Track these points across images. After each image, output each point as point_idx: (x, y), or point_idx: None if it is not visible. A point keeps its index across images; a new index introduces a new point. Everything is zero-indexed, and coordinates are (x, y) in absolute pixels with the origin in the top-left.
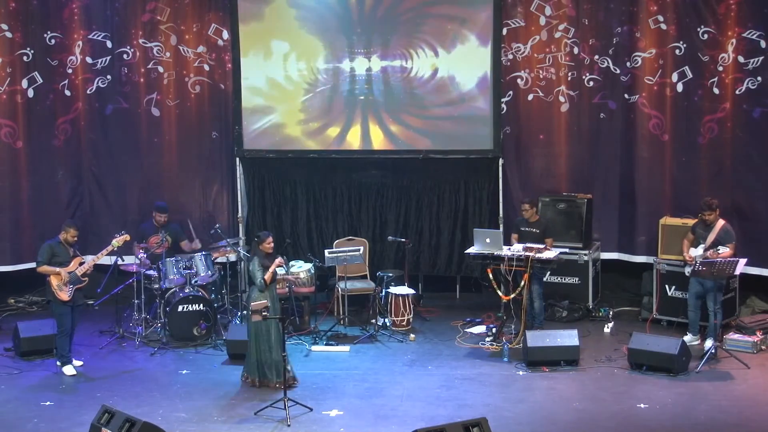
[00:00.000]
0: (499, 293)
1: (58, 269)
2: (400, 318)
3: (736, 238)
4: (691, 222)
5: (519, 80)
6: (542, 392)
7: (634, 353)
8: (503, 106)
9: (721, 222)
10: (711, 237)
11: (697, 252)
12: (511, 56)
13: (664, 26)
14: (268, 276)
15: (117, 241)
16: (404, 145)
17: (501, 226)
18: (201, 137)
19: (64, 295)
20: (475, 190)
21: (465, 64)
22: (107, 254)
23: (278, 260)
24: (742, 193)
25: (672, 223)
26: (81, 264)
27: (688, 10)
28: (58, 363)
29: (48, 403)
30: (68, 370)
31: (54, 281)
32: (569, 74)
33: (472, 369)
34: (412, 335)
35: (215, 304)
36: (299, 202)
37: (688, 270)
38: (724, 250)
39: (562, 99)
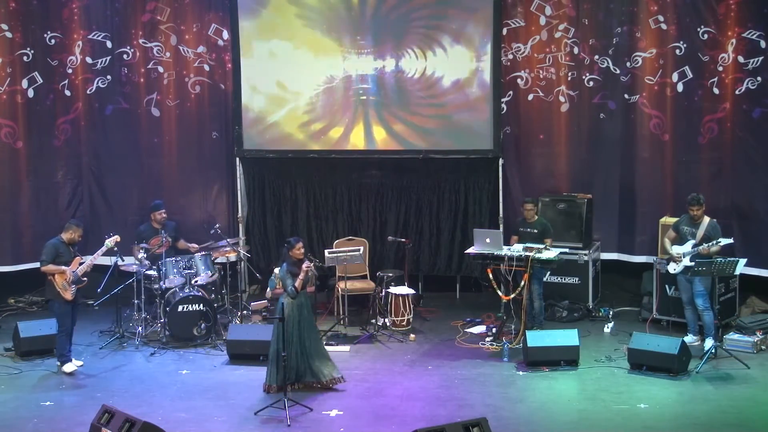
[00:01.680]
0: (499, 293)
1: (63, 268)
2: (400, 318)
3: (734, 238)
4: None
5: (519, 80)
6: (542, 392)
7: (634, 353)
8: (503, 106)
9: (707, 218)
10: (700, 233)
11: (684, 249)
12: (511, 56)
13: (664, 26)
14: (298, 283)
15: (109, 242)
16: (404, 145)
17: (501, 226)
18: (201, 137)
19: (68, 294)
20: (475, 190)
21: (465, 63)
22: (102, 254)
23: (305, 265)
24: (742, 193)
25: (672, 223)
26: (80, 264)
27: (688, 10)
28: (58, 363)
29: (48, 403)
30: (68, 367)
31: (59, 280)
32: (569, 74)
33: (472, 369)
34: (412, 335)
35: (215, 304)
36: (299, 202)
37: (672, 267)
38: (726, 241)
39: (562, 99)
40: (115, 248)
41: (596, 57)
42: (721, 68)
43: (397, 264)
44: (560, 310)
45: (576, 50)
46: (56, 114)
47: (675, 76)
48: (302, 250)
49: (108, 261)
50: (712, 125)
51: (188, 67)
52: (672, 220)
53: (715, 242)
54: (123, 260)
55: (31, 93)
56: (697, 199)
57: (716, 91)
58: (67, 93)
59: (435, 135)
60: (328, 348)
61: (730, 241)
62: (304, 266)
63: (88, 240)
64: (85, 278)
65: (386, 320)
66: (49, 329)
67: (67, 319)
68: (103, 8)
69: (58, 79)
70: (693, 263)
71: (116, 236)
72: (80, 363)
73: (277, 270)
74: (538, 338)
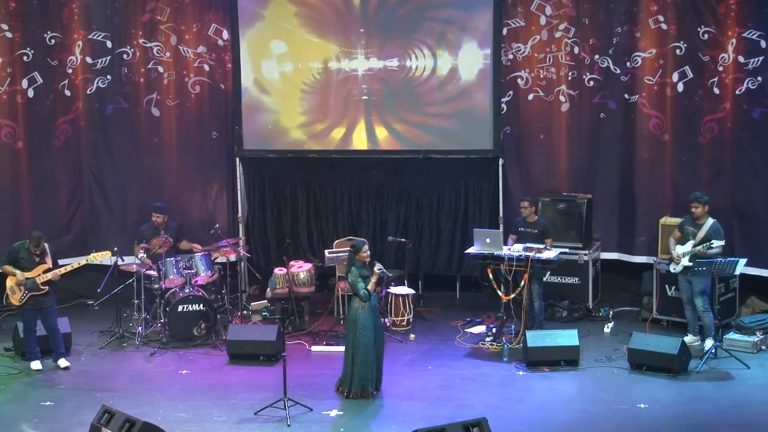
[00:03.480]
0: (499, 293)
1: (16, 271)
2: (400, 318)
3: (734, 238)
4: None
5: (519, 80)
6: (542, 392)
7: (634, 353)
8: (503, 106)
9: (711, 219)
10: (701, 234)
11: (684, 249)
12: (511, 56)
13: (664, 26)
14: (371, 287)
15: (93, 256)
16: (404, 145)
17: (501, 226)
18: (201, 137)
19: (15, 299)
20: (475, 190)
21: (465, 63)
22: (77, 267)
23: (377, 268)
24: (742, 193)
25: (672, 223)
26: (46, 272)
27: (689, 10)
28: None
29: (48, 403)
30: (34, 365)
31: (8, 282)
32: (569, 74)
33: (472, 369)
34: (412, 335)
35: (215, 304)
36: (299, 202)
37: (673, 267)
38: (718, 244)
39: (562, 99)
40: (117, 257)
41: (596, 57)
42: (721, 68)
43: (397, 264)
44: (560, 310)
45: (576, 50)
46: (56, 114)
47: (675, 76)
48: (368, 253)
49: (108, 261)
50: (712, 125)
51: (188, 67)
52: (672, 220)
53: (708, 244)
54: (123, 260)
55: (31, 93)
56: (696, 196)
57: (716, 91)
58: (67, 93)
59: (435, 135)
60: (327, 348)
61: (722, 242)
62: (375, 269)
63: (88, 240)
64: (45, 287)
65: (386, 320)
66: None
67: (28, 320)
68: (103, 8)
69: (58, 79)
70: (692, 263)
71: (107, 252)
72: (66, 365)
73: (277, 270)
74: (538, 338)
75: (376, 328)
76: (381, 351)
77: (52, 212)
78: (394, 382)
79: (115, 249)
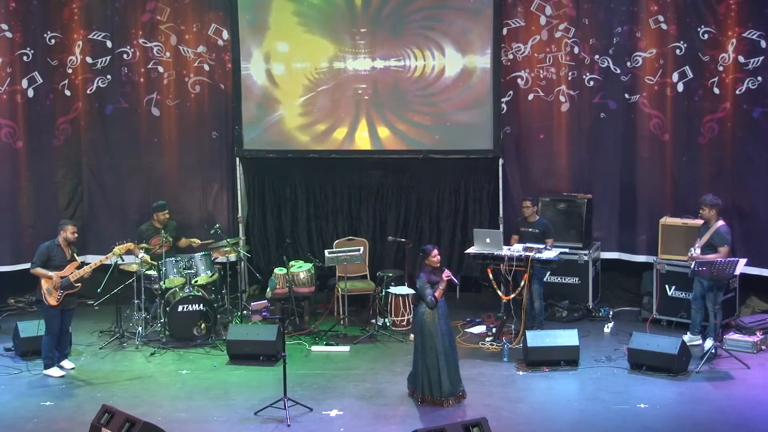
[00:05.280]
0: (499, 293)
1: (50, 273)
2: (400, 318)
3: (732, 240)
4: (691, 222)
5: (519, 80)
6: (542, 392)
7: (634, 353)
8: (503, 106)
9: (719, 223)
10: (705, 237)
11: (694, 251)
12: (511, 56)
13: (664, 26)
14: (439, 293)
15: (119, 249)
16: (404, 145)
17: (501, 226)
18: (201, 137)
19: (53, 299)
20: (475, 190)
21: (465, 64)
22: (107, 261)
23: (445, 275)
24: (742, 193)
25: (672, 223)
26: (77, 268)
27: (689, 10)
28: (44, 369)
29: (48, 403)
30: (53, 371)
31: (44, 284)
32: (569, 74)
33: (472, 369)
34: (412, 335)
35: (215, 304)
36: (299, 202)
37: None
38: (710, 254)
39: (562, 99)
40: (123, 258)
41: (596, 57)
42: (721, 68)
43: (397, 264)
44: (560, 310)
45: (576, 50)
46: (56, 114)
47: (675, 76)
48: (438, 258)
49: (108, 261)
50: (712, 125)
51: (188, 67)
52: (672, 220)
53: (695, 247)
54: (123, 260)
55: (31, 93)
56: (701, 199)
57: (716, 91)
58: (67, 93)
59: (435, 135)
60: (328, 348)
61: (714, 255)
62: (444, 275)
63: (88, 240)
64: (78, 284)
65: (386, 320)
66: None
67: (54, 323)
68: (103, 8)
69: (58, 79)
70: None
71: (129, 243)
72: (72, 366)
73: (277, 270)
74: (538, 338)
75: (446, 334)
76: (454, 356)
77: (52, 212)
78: (395, 382)
79: (117, 256)
